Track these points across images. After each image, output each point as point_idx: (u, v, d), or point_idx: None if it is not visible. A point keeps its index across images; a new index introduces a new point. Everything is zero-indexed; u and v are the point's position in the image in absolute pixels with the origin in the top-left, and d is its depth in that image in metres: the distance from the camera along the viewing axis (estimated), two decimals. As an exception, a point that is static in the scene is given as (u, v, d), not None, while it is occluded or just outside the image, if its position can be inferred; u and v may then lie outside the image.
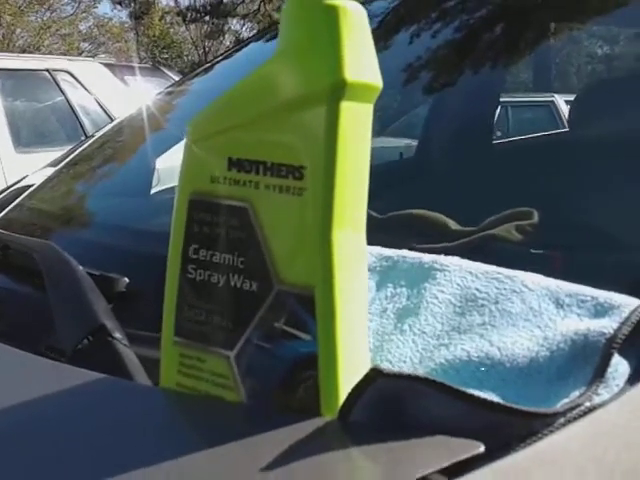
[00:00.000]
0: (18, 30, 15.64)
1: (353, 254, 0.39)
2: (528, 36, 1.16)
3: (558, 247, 0.63)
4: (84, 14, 16.93)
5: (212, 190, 0.40)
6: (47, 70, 4.00)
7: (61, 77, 4.02)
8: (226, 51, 1.73)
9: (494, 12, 1.10)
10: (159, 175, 1.16)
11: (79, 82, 4.06)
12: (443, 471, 0.34)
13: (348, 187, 0.38)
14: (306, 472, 0.34)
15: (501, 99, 1.54)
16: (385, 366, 0.40)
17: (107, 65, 4.41)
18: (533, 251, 0.59)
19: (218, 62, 1.37)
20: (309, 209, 0.38)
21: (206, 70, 1.36)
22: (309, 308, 0.38)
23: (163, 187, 1.23)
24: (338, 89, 0.36)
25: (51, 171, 1.17)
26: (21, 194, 1.05)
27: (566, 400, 0.39)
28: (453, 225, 0.68)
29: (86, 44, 16.42)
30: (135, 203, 1.05)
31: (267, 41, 1.25)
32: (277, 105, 0.38)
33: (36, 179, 1.16)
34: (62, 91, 3.99)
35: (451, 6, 1.16)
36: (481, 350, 0.42)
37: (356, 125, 0.38)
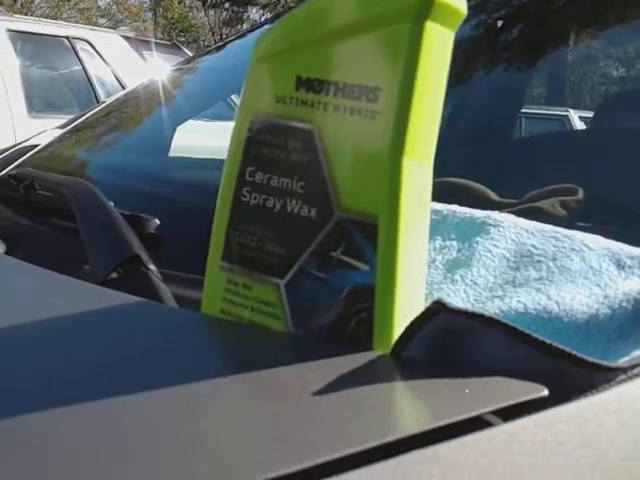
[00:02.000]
0: (37, 0, 15.60)
1: (420, 186, 0.37)
2: (546, 49, 1.15)
3: (602, 224, 0.61)
4: (104, -10, 16.89)
5: (277, 110, 0.39)
6: (67, 37, 3.97)
7: (80, 46, 4.00)
8: (241, 32, 1.72)
9: (512, 21, 1.09)
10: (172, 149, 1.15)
11: (97, 52, 4.04)
12: (500, 413, 0.32)
13: (423, 114, 0.36)
14: (355, 401, 0.33)
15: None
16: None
17: (127, 38, 4.39)
18: (581, 224, 0.57)
19: (232, 41, 1.36)
20: (380, 134, 0.36)
21: (219, 48, 1.35)
22: (370, 237, 0.36)
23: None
24: (425, 7, 0.34)
25: (59, 133, 1.15)
26: (30, 151, 1.04)
27: (627, 358, 0.37)
28: (494, 196, 0.67)
29: (104, 20, 16.37)
30: (158, 158, 1.04)
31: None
32: (354, 22, 0.36)
33: (46, 139, 1.14)
34: (80, 60, 3.97)
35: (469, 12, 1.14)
36: (538, 303, 0.40)
37: (437, 49, 0.36)
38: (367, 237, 0.37)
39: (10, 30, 3.74)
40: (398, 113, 0.36)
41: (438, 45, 0.36)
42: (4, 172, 0.89)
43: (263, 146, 0.39)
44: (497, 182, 0.76)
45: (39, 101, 3.84)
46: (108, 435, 0.30)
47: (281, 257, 0.39)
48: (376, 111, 0.36)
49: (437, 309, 0.34)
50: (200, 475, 0.26)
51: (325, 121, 0.37)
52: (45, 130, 1.33)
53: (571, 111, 4.54)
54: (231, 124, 0.41)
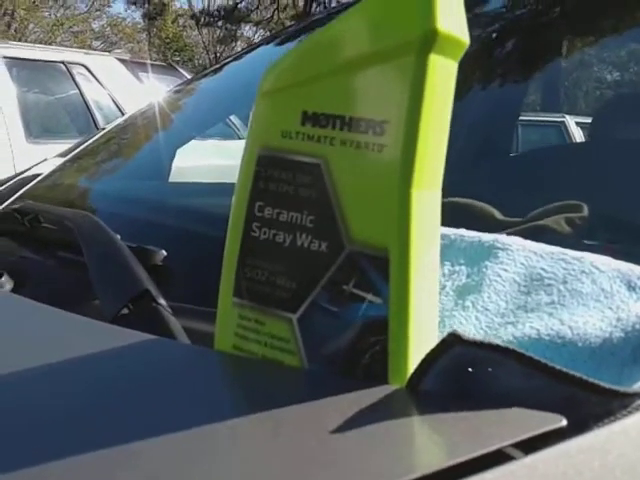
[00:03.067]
0: (31, 25, 15.68)
1: (430, 216, 0.37)
2: (540, 56, 1.15)
3: (608, 241, 0.61)
4: (98, 12, 16.99)
5: (283, 146, 0.39)
6: (63, 62, 3.99)
7: (77, 70, 4.02)
8: (238, 52, 1.73)
9: (506, 30, 1.09)
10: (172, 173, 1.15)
11: (94, 76, 4.06)
12: (520, 445, 0.32)
13: (430, 145, 0.36)
14: (373, 438, 0.32)
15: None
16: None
17: (122, 61, 4.41)
18: (587, 242, 0.57)
19: (229, 63, 1.37)
20: (387, 166, 0.36)
21: (216, 70, 1.36)
22: (381, 270, 0.36)
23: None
24: (429, 39, 0.35)
25: (60, 161, 1.15)
26: (31, 181, 1.04)
27: (642, 383, 0.37)
28: (499, 215, 0.67)
29: (98, 42, 16.45)
30: (160, 185, 1.04)
31: (278, 45, 1.24)
32: (359, 56, 0.36)
33: (47, 168, 1.15)
34: (77, 84, 3.99)
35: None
36: (551, 328, 0.40)
37: (441, 80, 0.36)
38: (378, 270, 0.36)
39: (6, 57, 3.76)
40: (405, 145, 0.36)
41: (442, 76, 0.36)
42: (7, 204, 0.89)
43: (271, 181, 0.40)
44: (501, 199, 0.76)
45: (37, 127, 3.86)
46: (122, 476, 0.29)
47: (293, 292, 0.39)
48: (383, 144, 0.36)
49: (452, 341, 0.34)
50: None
51: (332, 155, 0.38)
52: (46, 159, 1.33)
53: (567, 117, 4.55)
54: (230, 143, 0.41)
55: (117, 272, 0.54)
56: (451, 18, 0.36)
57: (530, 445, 0.32)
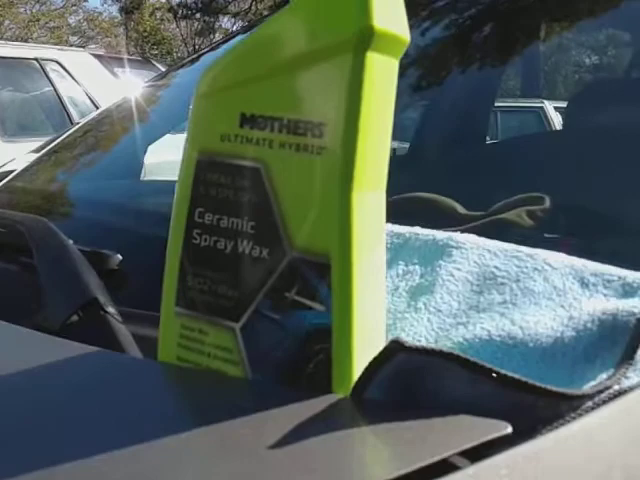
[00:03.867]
0: (7, 22, 15.50)
1: (373, 218, 0.36)
2: (518, 41, 1.14)
3: (569, 233, 0.61)
4: (74, 7, 16.82)
5: (222, 149, 0.38)
6: (36, 59, 3.94)
7: (50, 67, 3.97)
8: (214, 43, 1.70)
9: (485, 15, 1.08)
10: (145, 170, 1.13)
11: (68, 72, 4.01)
12: (465, 453, 0.31)
13: (371, 146, 0.35)
14: (316, 451, 0.31)
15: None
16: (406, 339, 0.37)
17: (97, 56, 4.36)
18: (547, 235, 0.57)
19: (205, 54, 1.35)
20: (328, 169, 0.35)
21: (193, 61, 1.34)
22: (324, 276, 0.35)
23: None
24: (365, 37, 0.33)
25: (30, 158, 1.13)
26: (3, 179, 1.02)
27: (593, 383, 0.36)
28: (461, 209, 0.66)
29: (75, 38, 16.29)
30: (127, 184, 1.02)
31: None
32: (296, 55, 0.35)
33: (19, 165, 1.13)
34: (51, 81, 3.95)
35: (442, 8, 1.14)
36: (502, 329, 0.39)
37: (381, 79, 0.35)
38: (321, 276, 0.35)
39: (-22, 55, 3.71)
40: (344, 147, 0.35)
41: (382, 74, 0.35)
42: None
43: (211, 186, 0.38)
44: (466, 190, 0.75)
45: (12, 125, 3.81)
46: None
47: (235, 300, 0.38)
48: (322, 146, 0.35)
49: (395, 348, 0.33)
50: None
51: (272, 159, 0.36)
52: (14, 159, 1.31)
53: (546, 102, 4.56)
54: None
55: (67, 279, 0.53)
56: (389, 15, 0.35)
57: (476, 453, 0.31)
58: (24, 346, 0.45)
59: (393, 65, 0.36)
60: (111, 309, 0.49)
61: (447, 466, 0.31)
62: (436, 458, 0.30)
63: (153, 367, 0.40)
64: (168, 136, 1.25)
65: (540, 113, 4.50)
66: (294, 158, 0.36)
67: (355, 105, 0.34)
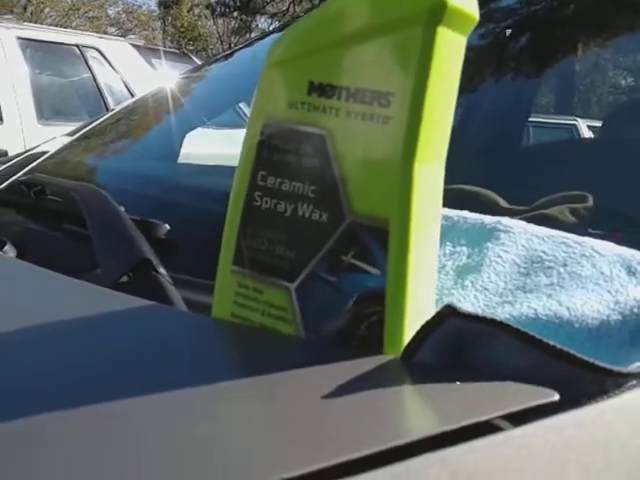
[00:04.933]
0: (47, 9, 15.71)
1: (432, 190, 0.37)
2: (554, 57, 1.15)
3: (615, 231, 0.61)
4: (114, -1, 17.00)
5: (289, 115, 0.39)
6: (77, 45, 4.00)
7: (90, 54, 4.02)
8: (249, 40, 1.72)
9: (522, 29, 1.09)
10: (182, 156, 1.15)
11: (107, 60, 4.06)
12: (510, 417, 0.32)
13: (435, 119, 0.36)
14: (364, 404, 0.33)
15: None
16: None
17: (136, 46, 4.41)
18: (591, 231, 0.57)
19: (241, 49, 1.37)
20: (392, 139, 0.36)
21: (227, 56, 1.36)
22: (381, 242, 0.36)
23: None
24: (437, 12, 0.35)
25: (69, 139, 1.16)
26: (39, 158, 1.04)
27: (638, 364, 0.37)
28: (504, 203, 0.67)
29: (113, 29, 16.46)
30: (167, 164, 1.04)
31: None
32: (367, 27, 0.36)
33: (56, 145, 1.15)
34: (89, 68, 4.00)
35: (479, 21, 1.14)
36: (549, 309, 0.40)
37: (449, 54, 0.36)
38: (378, 241, 0.37)
39: (20, 38, 3.76)
40: (410, 118, 0.36)
41: (450, 50, 0.36)
42: (15, 178, 0.89)
43: (275, 151, 0.40)
44: (507, 189, 0.76)
45: (49, 108, 3.86)
46: (120, 438, 0.30)
47: (292, 261, 0.39)
48: (388, 116, 0.36)
49: (447, 313, 0.34)
50: (211, 477, 0.26)
51: (337, 126, 0.38)
52: (55, 137, 1.34)
53: (579, 120, 4.54)
54: (239, 131, 0.41)
55: (119, 241, 0.54)
56: (460, -8, 0.36)
57: (521, 418, 0.32)
58: (83, 297, 0.47)
59: (461, 42, 0.37)
60: (163, 270, 0.50)
61: (491, 428, 0.32)
62: (480, 418, 0.31)
63: (207, 322, 0.42)
64: (203, 130, 1.27)
65: (573, 130, 4.48)
66: (359, 126, 0.37)
67: (423, 78, 0.36)
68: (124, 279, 0.52)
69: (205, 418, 0.31)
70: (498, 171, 0.90)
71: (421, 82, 0.35)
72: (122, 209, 0.61)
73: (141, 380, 0.36)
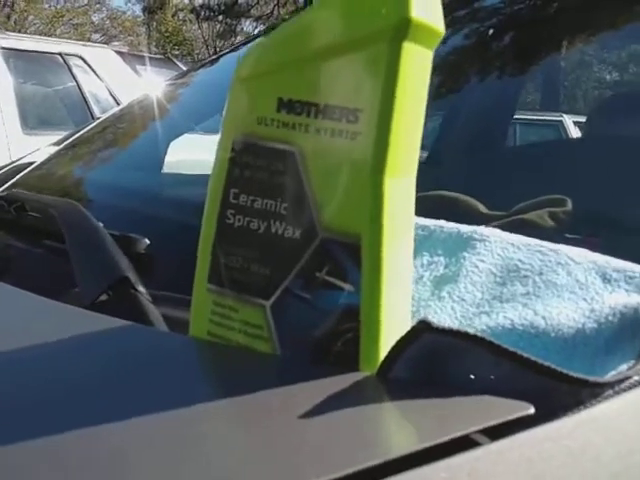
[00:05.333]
0: (31, 17, 15.65)
1: (403, 204, 0.37)
2: (539, 54, 1.15)
3: (591, 235, 0.61)
4: (98, 5, 16.96)
5: (258, 132, 0.39)
6: (60, 54, 3.98)
7: (73, 62, 4.01)
8: (235, 45, 1.73)
9: (506, 27, 1.09)
10: (166, 165, 1.15)
11: (91, 68, 4.05)
12: (487, 432, 0.32)
13: (404, 133, 0.36)
14: (341, 423, 0.33)
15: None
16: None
17: (120, 53, 4.40)
18: (569, 236, 0.57)
19: (225, 55, 1.37)
20: (361, 154, 0.36)
21: (213, 62, 1.35)
22: (354, 257, 0.36)
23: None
24: (402, 28, 0.35)
25: (54, 150, 1.15)
26: (24, 169, 1.04)
27: (613, 373, 0.37)
28: (483, 209, 0.67)
29: (98, 35, 16.41)
30: (149, 175, 1.04)
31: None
32: (334, 43, 0.36)
33: (40, 156, 1.15)
34: (73, 76, 3.98)
35: (462, 17, 1.15)
36: (525, 318, 0.40)
37: (416, 69, 0.36)
38: (351, 257, 0.37)
39: (3, 48, 3.75)
40: (378, 133, 0.36)
41: (416, 64, 0.36)
42: (-5, 193, 0.89)
43: (246, 168, 0.40)
44: (487, 193, 0.76)
45: (33, 118, 3.85)
46: (96, 458, 0.29)
47: (266, 278, 0.39)
48: (357, 132, 0.36)
49: (422, 329, 0.34)
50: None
51: (307, 143, 0.38)
52: (39, 148, 1.33)
53: (565, 116, 4.55)
54: None
55: (97, 259, 0.54)
56: (426, 7, 0.36)
57: (498, 432, 0.32)
58: (59, 318, 0.47)
59: (428, 56, 0.37)
60: (141, 288, 0.50)
61: (469, 442, 0.32)
62: (458, 434, 0.31)
63: (185, 341, 0.42)
64: (188, 136, 1.27)
65: (559, 127, 4.49)
66: (329, 143, 0.37)
67: (390, 93, 0.36)
68: (103, 298, 0.52)
69: (182, 438, 0.31)
70: (481, 173, 0.90)
71: (388, 97, 0.35)
72: (101, 225, 0.61)
73: (118, 402, 0.35)
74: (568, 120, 4.54)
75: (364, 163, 0.36)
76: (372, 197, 0.36)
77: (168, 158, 1.13)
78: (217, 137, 0.41)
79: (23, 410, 0.34)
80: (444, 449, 0.30)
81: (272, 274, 0.39)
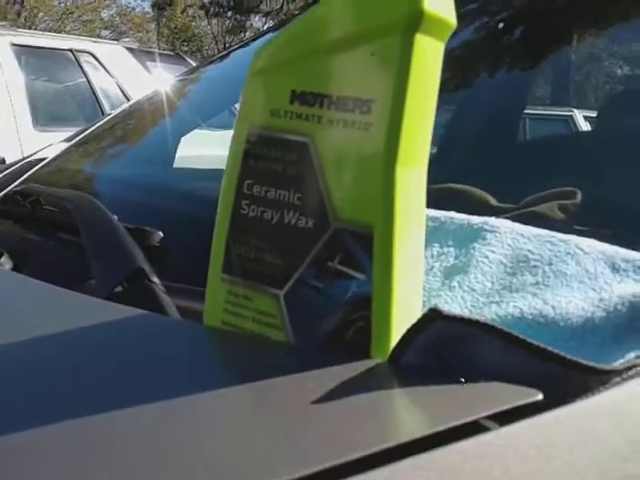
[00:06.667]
0: (41, 14, 15.70)
1: (414, 194, 0.38)
2: (550, 48, 1.15)
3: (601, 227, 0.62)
4: (107, 2, 16.99)
5: (272, 124, 0.40)
6: (70, 50, 4.00)
7: (84, 58, 4.03)
8: (245, 40, 1.73)
9: (516, 21, 1.09)
10: (177, 160, 1.16)
11: (101, 64, 4.06)
12: (496, 417, 0.33)
13: (416, 124, 0.37)
14: (353, 408, 0.33)
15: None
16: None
17: (130, 49, 4.41)
18: (579, 228, 0.58)
19: (235, 50, 1.37)
20: (373, 145, 0.37)
21: (223, 57, 1.36)
22: (366, 247, 0.37)
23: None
24: (415, 19, 0.35)
25: (65, 146, 1.16)
26: (37, 165, 1.05)
27: (622, 360, 0.38)
28: (493, 201, 0.67)
29: (107, 32, 16.46)
30: (161, 170, 1.05)
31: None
32: (347, 35, 0.37)
33: (53, 152, 1.16)
34: (84, 72, 4.00)
35: (473, 11, 1.15)
36: (534, 308, 0.41)
37: (428, 60, 0.37)
38: (363, 247, 0.37)
39: (14, 44, 3.77)
40: (390, 124, 0.36)
41: (428, 56, 0.37)
42: (10, 188, 0.90)
43: (260, 159, 0.40)
44: (498, 186, 0.76)
45: (44, 114, 3.86)
46: (113, 444, 0.30)
47: (280, 268, 0.39)
48: (369, 123, 0.37)
49: (433, 316, 0.35)
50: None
51: (320, 134, 0.38)
52: (52, 144, 1.34)
53: (575, 111, 4.53)
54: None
55: (112, 251, 0.55)
56: (438, -1, 0.36)
57: (507, 418, 0.33)
58: (78, 309, 0.48)
59: (439, 48, 0.38)
60: (156, 279, 0.51)
61: (478, 428, 0.32)
62: (467, 419, 0.32)
63: (199, 330, 0.42)
64: (199, 132, 1.27)
65: (569, 122, 4.48)
66: (341, 133, 0.37)
67: (402, 84, 0.36)
68: (118, 289, 0.53)
69: (195, 425, 0.32)
70: (491, 166, 0.90)
71: (400, 88, 0.36)
72: (115, 217, 0.62)
73: (135, 389, 0.36)
74: (579, 115, 4.52)
75: (376, 154, 0.37)
76: (384, 187, 0.37)
77: (179, 153, 1.14)
78: (227, 133, 0.42)
79: (44, 395, 0.35)
80: (454, 434, 0.31)
81: (285, 264, 0.39)
